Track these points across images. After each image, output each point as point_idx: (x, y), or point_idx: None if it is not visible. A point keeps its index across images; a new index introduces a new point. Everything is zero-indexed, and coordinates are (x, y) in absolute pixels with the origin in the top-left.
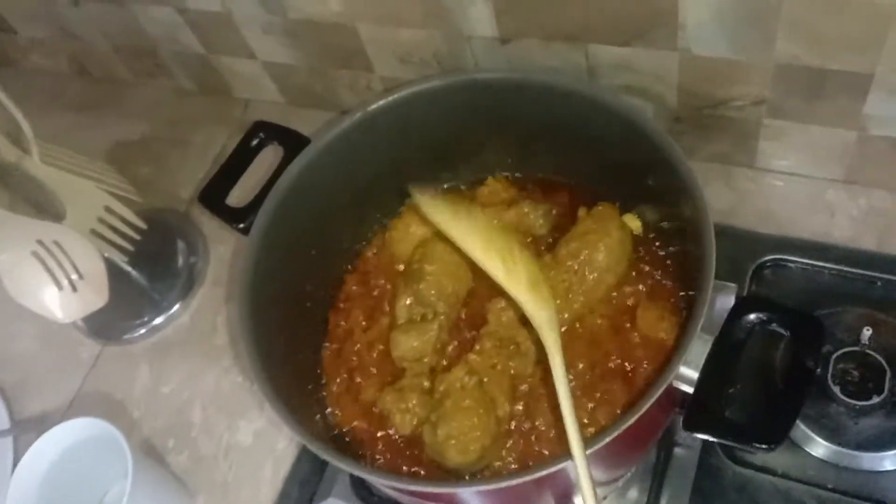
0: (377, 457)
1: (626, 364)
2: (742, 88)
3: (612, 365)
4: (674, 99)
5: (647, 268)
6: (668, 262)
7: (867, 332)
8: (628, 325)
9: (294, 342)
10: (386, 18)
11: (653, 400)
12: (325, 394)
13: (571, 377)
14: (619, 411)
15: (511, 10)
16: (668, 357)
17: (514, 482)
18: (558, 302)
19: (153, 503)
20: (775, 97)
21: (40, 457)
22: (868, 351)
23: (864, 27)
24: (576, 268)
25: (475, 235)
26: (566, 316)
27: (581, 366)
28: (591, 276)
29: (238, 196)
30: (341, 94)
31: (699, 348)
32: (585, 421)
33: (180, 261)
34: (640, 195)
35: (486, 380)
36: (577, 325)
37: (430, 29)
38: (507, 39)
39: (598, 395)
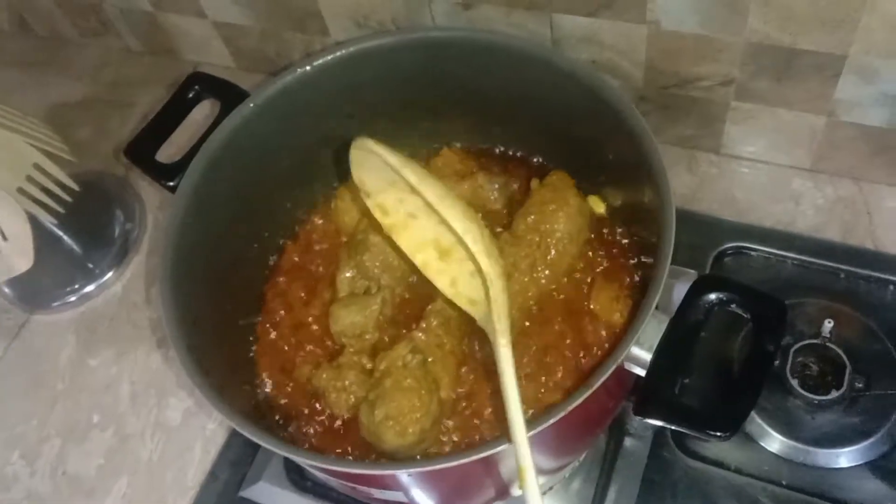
0: (311, 438)
1: (580, 349)
2: (711, 67)
3: (565, 349)
4: (640, 76)
5: (603, 248)
6: (626, 242)
7: (828, 325)
8: (583, 307)
9: (225, 313)
10: None
11: (602, 380)
12: (258, 370)
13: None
14: (562, 397)
15: None
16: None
17: (446, 465)
18: (526, 279)
19: None
20: (744, 77)
21: None
22: (829, 344)
23: (838, 5)
24: (537, 240)
25: (432, 181)
26: (531, 293)
27: (534, 348)
28: (554, 248)
29: (170, 152)
30: (294, 58)
31: (653, 328)
32: (531, 409)
33: (116, 227)
34: (600, 171)
35: (430, 359)
36: (532, 305)
37: None
38: (469, 4)
39: (546, 378)
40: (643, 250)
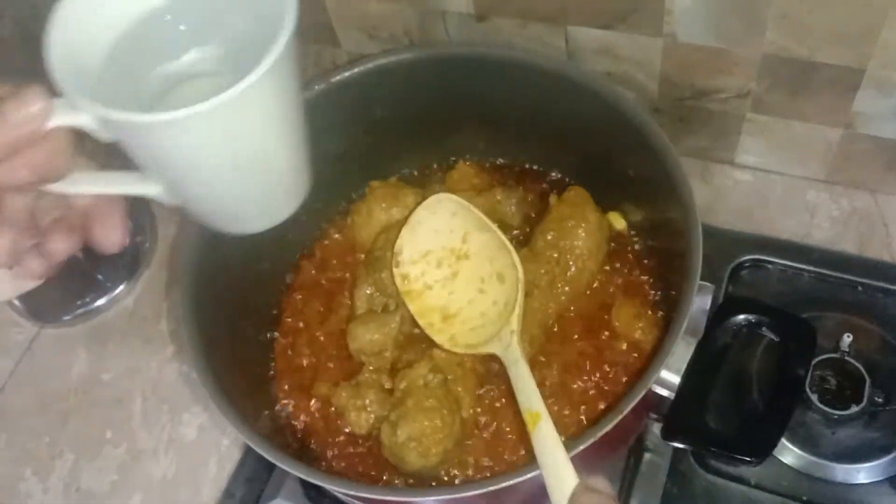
0: (330, 457)
1: (601, 366)
2: (727, 80)
3: (586, 367)
4: (655, 88)
5: (623, 264)
6: (646, 259)
7: (847, 339)
8: (603, 323)
9: (243, 330)
10: None
11: (632, 405)
12: (275, 388)
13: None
14: (584, 416)
15: None
16: (647, 359)
17: (481, 490)
18: (545, 296)
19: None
20: (760, 90)
21: None
22: (847, 358)
23: (857, 19)
24: (556, 256)
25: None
26: (550, 310)
27: (554, 365)
28: (574, 265)
29: None
30: (306, 69)
31: (682, 351)
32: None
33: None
34: (619, 186)
35: (450, 378)
36: (552, 323)
37: (402, 2)
38: (483, 16)
39: (568, 396)
40: (664, 266)
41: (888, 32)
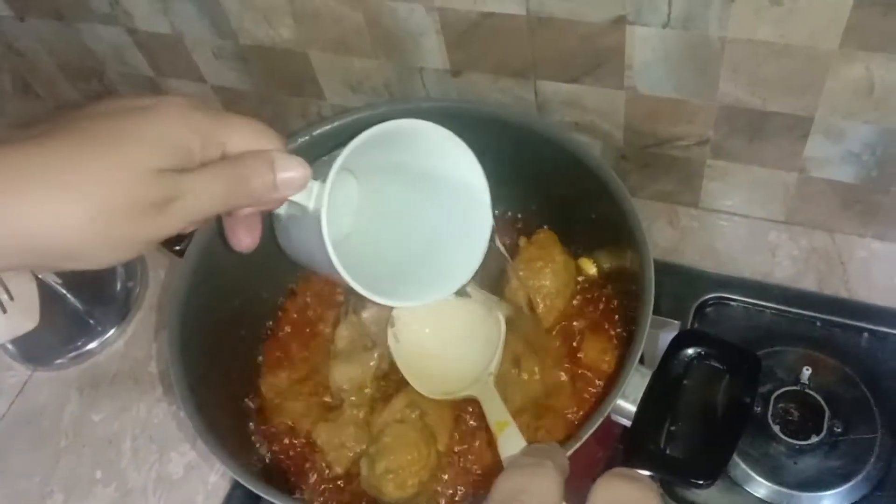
0: (312, 490)
1: (572, 400)
2: (686, 128)
3: (557, 401)
4: (620, 137)
5: (591, 304)
6: (615, 300)
7: (807, 372)
8: (574, 358)
9: (229, 370)
10: (337, 47)
11: (589, 433)
12: (260, 424)
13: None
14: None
15: (462, 43)
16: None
17: None
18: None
19: None
20: (719, 137)
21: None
22: (808, 391)
23: (803, 71)
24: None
25: None
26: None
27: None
28: (542, 303)
29: None
30: (292, 120)
31: (637, 381)
32: None
33: (118, 284)
34: (584, 230)
35: (427, 412)
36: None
37: (382, 59)
38: (457, 72)
39: (540, 432)
40: (628, 306)
41: (832, 83)
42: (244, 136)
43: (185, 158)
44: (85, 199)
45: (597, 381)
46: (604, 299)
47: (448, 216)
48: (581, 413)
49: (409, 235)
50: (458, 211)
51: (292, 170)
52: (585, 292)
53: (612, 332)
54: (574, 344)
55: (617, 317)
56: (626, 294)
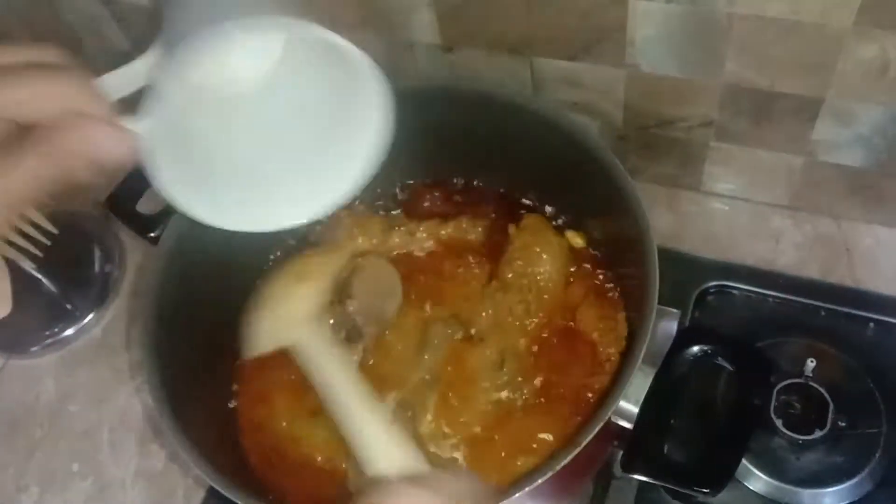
0: (289, 489)
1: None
2: (689, 108)
3: (570, 381)
4: (619, 117)
5: (585, 280)
6: (610, 283)
7: (811, 364)
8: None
9: (207, 364)
10: (321, 18)
11: (589, 438)
12: (237, 420)
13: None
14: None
15: (455, 17)
16: (607, 389)
17: None
18: (520, 323)
19: None
20: (723, 119)
21: None
22: (811, 383)
23: (813, 51)
24: (526, 283)
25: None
26: (529, 336)
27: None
28: (544, 289)
29: (150, 202)
30: None
31: (640, 382)
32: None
33: (96, 268)
34: (583, 212)
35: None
36: (532, 347)
37: (371, 34)
38: (450, 48)
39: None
40: (627, 289)
41: (844, 63)
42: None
43: None
44: None
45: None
46: (595, 272)
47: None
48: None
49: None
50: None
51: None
52: (577, 267)
53: (607, 297)
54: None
55: (609, 284)
56: (627, 279)
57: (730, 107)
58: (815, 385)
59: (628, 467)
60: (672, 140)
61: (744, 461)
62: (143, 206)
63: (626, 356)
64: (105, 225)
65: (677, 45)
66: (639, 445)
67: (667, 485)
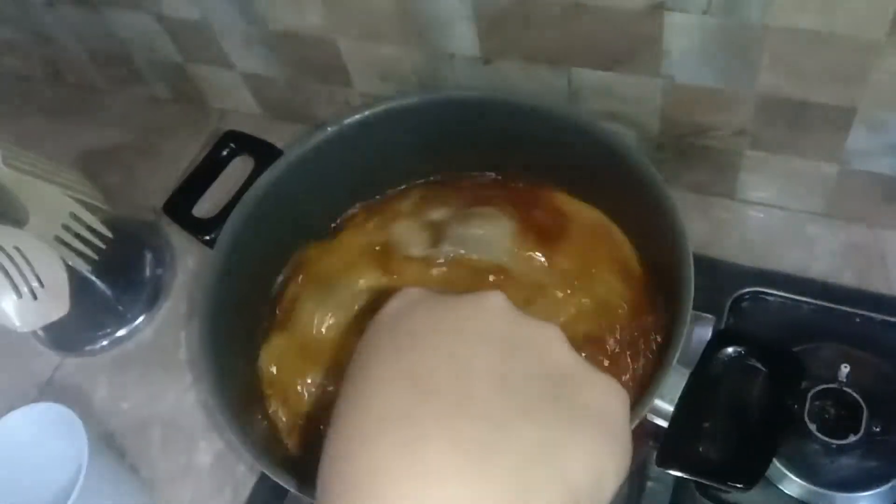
0: None
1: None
2: (724, 118)
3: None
4: (656, 126)
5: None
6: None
7: (845, 369)
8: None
9: (254, 365)
10: (367, 34)
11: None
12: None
13: None
14: None
15: (494, 29)
16: (641, 389)
17: None
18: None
19: (108, 496)
20: (757, 128)
21: None
22: (845, 388)
23: (846, 61)
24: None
25: None
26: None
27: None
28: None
29: (206, 207)
30: (319, 108)
31: (675, 381)
32: None
33: (147, 272)
34: (618, 219)
35: None
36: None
37: (412, 46)
38: (489, 59)
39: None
40: (664, 298)
41: (877, 74)
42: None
43: None
44: None
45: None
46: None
47: None
48: None
49: None
50: None
51: None
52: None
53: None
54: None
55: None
56: (663, 289)
57: (764, 116)
58: (849, 390)
59: (664, 463)
60: (706, 149)
61: (777, 464)
62: (199, 211)
63: (662, 356)
64: (157, 230)
65: (712, 56)
66: (674, 442)
67: (700, 479)
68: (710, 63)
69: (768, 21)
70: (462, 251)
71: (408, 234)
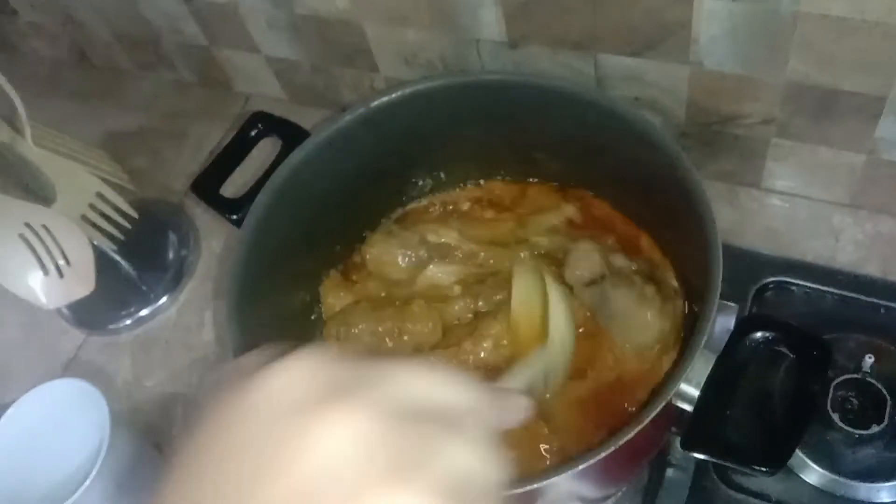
0: None
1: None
2: (752, 106)
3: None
4: (682, 113)
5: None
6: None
7: (869, 360)
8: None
9: (287, 337)
10: (393, 18)
11: (651, 417)
12: None
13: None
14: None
15: (521, 14)
16: (668, 375)
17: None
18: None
19: (129, 471)
20: (785, 116)
21: (14, 420)
22: (869, 379)
23: (878, 50)
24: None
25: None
26: None
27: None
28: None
29: (233, 187)
30: (344, 92)
31: (701, 365)
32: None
33: (171, 253)
34: (647, 209)
35: None
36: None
37: (438, 30)
38: (515, 44)
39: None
40: (689, 285)
41: None
42: None
43: None
44: None
45: None
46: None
47: None
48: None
49: None
50: None
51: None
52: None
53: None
54: None
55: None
56: (689, 275)
57: (792, 104)
58: (873, 381)
59: (688, 445)
60: (733, 137)
61: (800, 454)
62: (227, 191)
63: (688, 341)
64: (181, 212)
65: (741, 43)
66: (699, 426)
67: (726, 462)
68: (738, 50)
69: (798, 8)
70: None
71: None
